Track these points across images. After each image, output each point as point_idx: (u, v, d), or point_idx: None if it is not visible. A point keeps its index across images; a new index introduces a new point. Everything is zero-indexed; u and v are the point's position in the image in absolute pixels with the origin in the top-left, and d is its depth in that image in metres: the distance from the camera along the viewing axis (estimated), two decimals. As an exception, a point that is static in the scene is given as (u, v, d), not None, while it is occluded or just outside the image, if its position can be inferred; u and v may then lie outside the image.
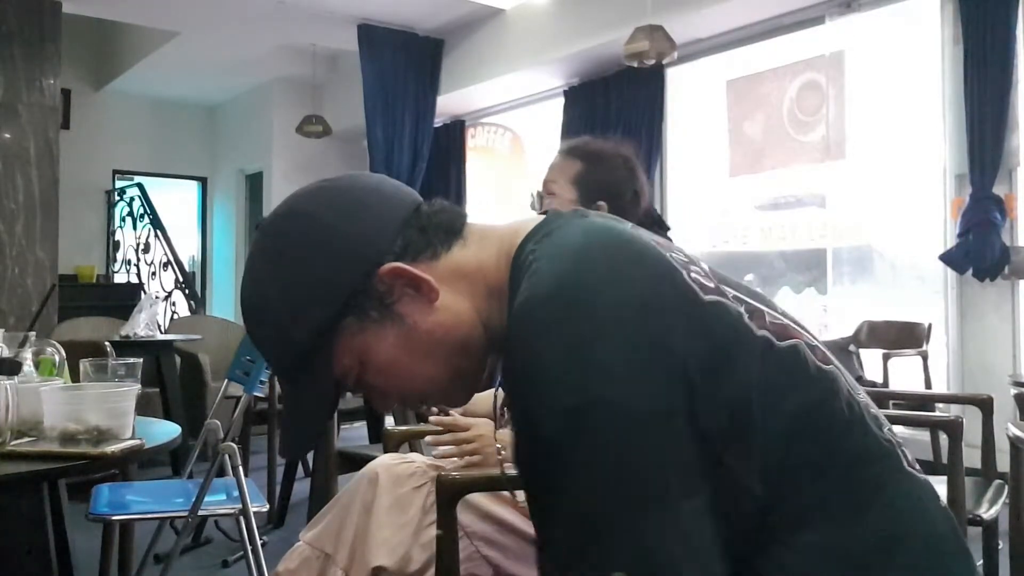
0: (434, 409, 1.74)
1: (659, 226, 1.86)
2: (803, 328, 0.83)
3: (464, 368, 0.86)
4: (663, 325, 0.71)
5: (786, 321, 0.81)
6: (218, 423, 2.53)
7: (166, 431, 1.85)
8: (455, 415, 1.69)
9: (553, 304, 0.71)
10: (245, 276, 0.87)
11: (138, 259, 8.14)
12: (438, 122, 7.28)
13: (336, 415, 3.34)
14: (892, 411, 2.57)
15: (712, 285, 0.76)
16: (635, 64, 4.77)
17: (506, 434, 1.29)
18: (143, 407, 1.74)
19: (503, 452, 1.23)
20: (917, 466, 0.82)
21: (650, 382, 0.69)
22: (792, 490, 0.73)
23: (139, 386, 1.68)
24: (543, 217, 0.87)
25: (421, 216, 0.85)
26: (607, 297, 0.71)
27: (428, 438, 1.70)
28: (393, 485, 1.50)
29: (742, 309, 0.76)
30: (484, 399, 1.82)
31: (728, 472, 0.70)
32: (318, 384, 0.85)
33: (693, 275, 0.76)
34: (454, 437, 1.64)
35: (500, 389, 0.94)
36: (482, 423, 1.64)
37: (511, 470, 1.14)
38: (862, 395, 0.82)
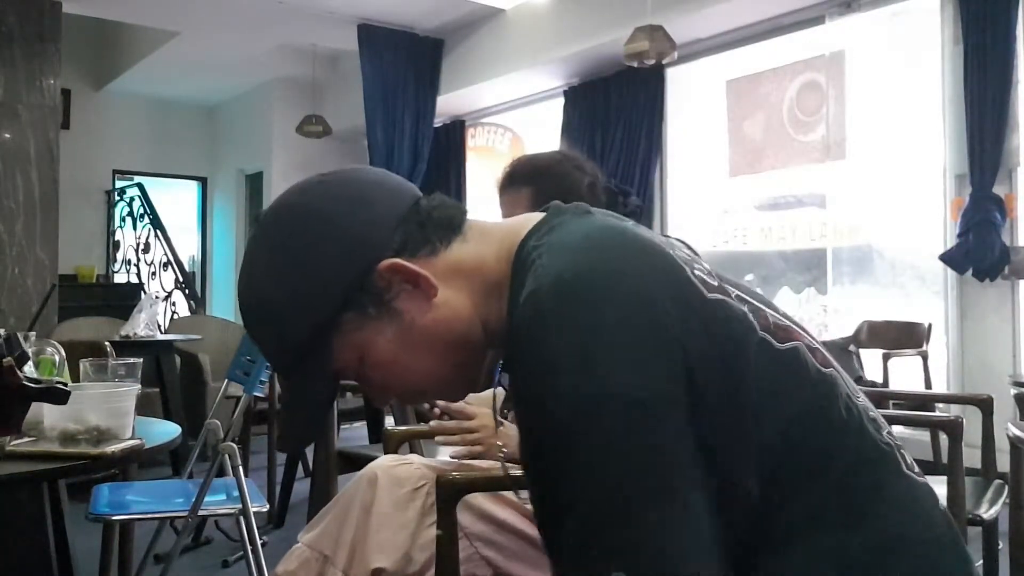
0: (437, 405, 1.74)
1: (623, 195, 1.86)
2: (804, 330, 0.83)
3: (463, 364, 0.86)
4: (667, 318, 0.71)
5: (787, 323, 0.81)
6: (218, 423, 2.53)
7: (166, 431, 1.85)
8: (462, 403, 1.69)
9: (559, 296, 0.71)
10: (243, 270, 0.86)
11: (138, 259, 8.14)
12: (438, 122, 7.28)
13: (336, 415, 3.34)
14: (892, 411, 2.58)
15: (715, 283, 0.77)
16: (635, 64, 4.77)
17: (511, 429, 1.29)
18: (143, 407, 1.74)
19: (504, 450, 1.23)
20: (916, 468, 0.82)
21: (655, 372, 0.68)
22: (789, 496, 0.73)
23: (139, 386, 1.68)
24: (544, 214, 0.86)
25: (420, 211, 0.85)
26: (611, 290, 0.71)
27: (433, 422, 1.69)
28: (392, 486, 1.49)
29: (745, 308, 0.76)
30: (483, 399, 1.82)
31: (726, 471, 0.70)
32: (317, 379, 0.84)
33: (696, 272, 0.76)
34: (458, 425, 1.64)
35: (500, 387, 0.94)
36: (487, 414, 1.64)
37: (513, 468, 1.14)
38: (861, 398, 0.82)
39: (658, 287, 0.72)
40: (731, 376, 0.72)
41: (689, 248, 1.01)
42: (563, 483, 0.68)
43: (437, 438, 1.69)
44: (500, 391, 0.94)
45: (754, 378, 0.73)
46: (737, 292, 0.78)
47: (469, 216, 0.88)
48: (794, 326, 0.81)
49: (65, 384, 1.36)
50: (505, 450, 1.22)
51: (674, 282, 0.74)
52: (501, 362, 0.90)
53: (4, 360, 1.27)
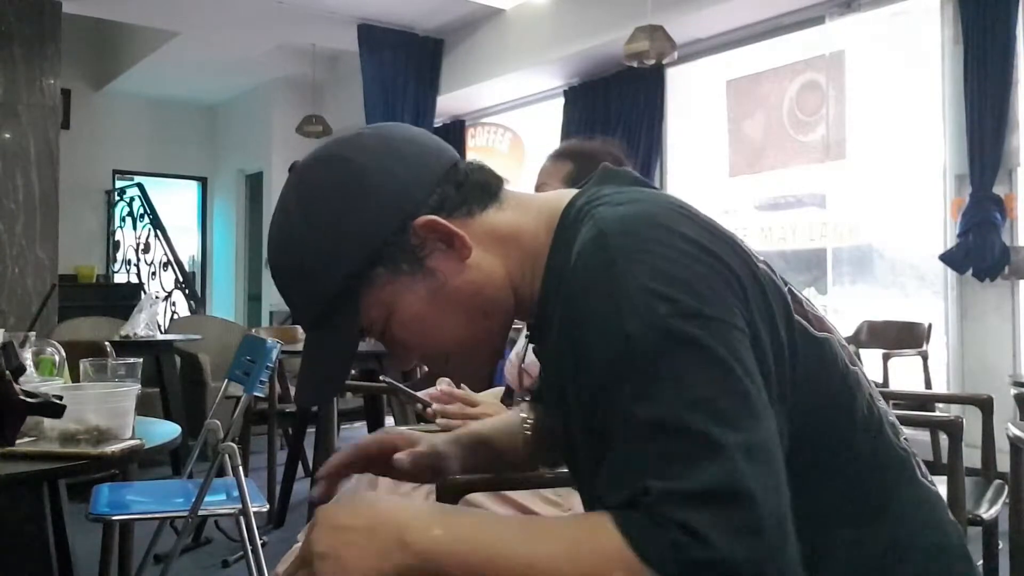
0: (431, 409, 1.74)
1: None
2: (834, 327, 0.83)
3: (490, 329, 0.85)
4: (727, 258, 0.72)
5: (821, 315, 0.82)
6: (218, 423, 2.53)
7: (166, 431, 1.85)
8: (466, 390, 1.69)
9: (628, 232, 0.71)
10: (275, 217, 0.85)
11: (138, 259, 8.14)
12: (438, 122, 7.28)
13: (336, 415, 3.34)
14: (892, 411, 2.57)
15: (762, 259, 0.78)
16: (635, 64, 4.77)
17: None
18: (143, 407, 1.74)
19: (528, 423, 1.21)
20: (929, 476, 0.82)
21: (727, 300, 0.69)
22: (805, 487, 0.72)
23: (139, 386, 1.68)
24: (591, 179, 0.87)
25: (458, 172, 0.84)
26: (675, 230, 0.72)
27: (435, 405, 1.68)
28: (392, 485, 1.49)
29: (786, 290, 0.77)
30: (490, 394, 1.82)
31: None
32: (342, 333, 0.83)
33: (746, 244, 0.78)
34: (460, 409, 1.64)
35: (523, 362, 0.94)
36: (490, 399, 1.64)
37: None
38: (881, 401, 0.82)
39: (717, 241, 0.73)
40: (778, 340, 0.73)
41: None
42: (642, 406, 0.65)
43: (439, 420, 1.68)
44: (529, 359, 0.94)
45: (791, 355, 0.73)
46: (780, 274, 0.80)
47: (506, 186, 0.88)
48: (826, 320, 0.82)
49: (60, 397, 1.35)
50: (528, 423, 1.20)
51: (730, 241, 0.75)
52: (526, 335, 0.90)
53: (3, 374, 1.27)
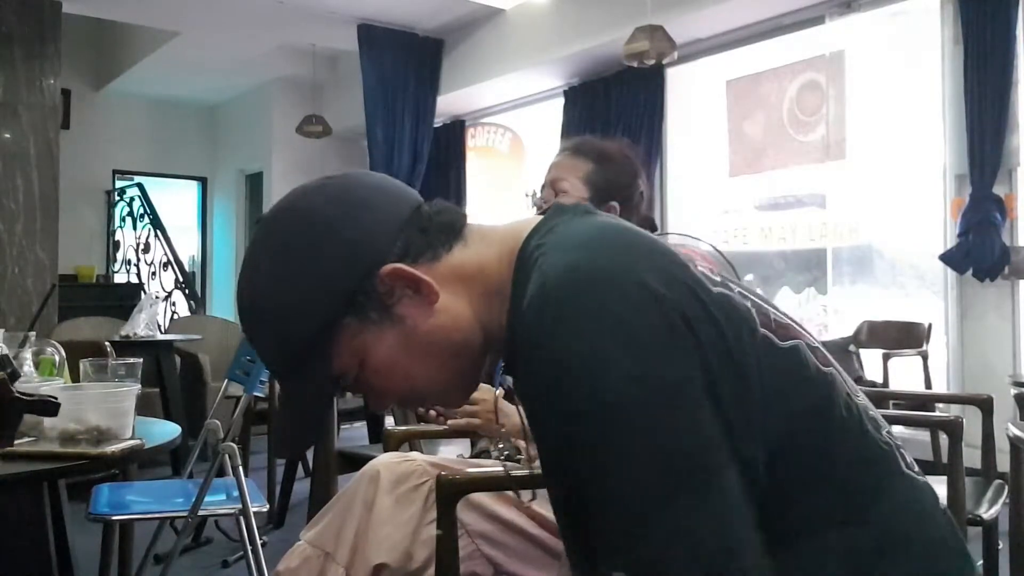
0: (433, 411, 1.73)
1: (651, 228, 1.87)
2: (804, 329, 0.83)
3: (461, 370, 0.86)
4: (676, 306, 0.71)
5: (788, 321, 0.81)
6: (218, 423, 2.53)
7: (166, 431, 1.85)
8: None
9: (567, 293, 0.71)
10: (243, 271, 0.85)
11: (138, 259, 8.14)
12: (438, 122, 7.28)
13: (336, 415, 3.34)
14: (892, 411, 2.57)
15: (718, 279, 0.77)
16: (635, 64, 4.77)
17: (510, 408, 1.30)
18: (143, 407, 1.74)
19: (504, 422, 1.22)
20: (916, 468, 0.82)
21: (673, 357, 0.69)
22: (792, 495, 0.73)
23: (139, 386, 1.68)
24: (544, 216, 0.87)
25: (422, 217, 0.85)
26: (619, 282, 0.71)
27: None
28: (394, 483, 1.50)
29: (748, 304, 0.77)
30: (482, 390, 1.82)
31: (740, 457, 0.70)
32: (315, 383, 0.84)
33: (700, 268, 0.77)
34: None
35: (501, 385, 0.94)
36: (486, 389, 1.64)
37: (513, 467, 1.14)
38: (861, 397, 0.82)
39: (664, 278, 0.73)
40: (736, 370, 0.72)
41: (711, 245, 1.01)
42: (599, 476, 0.68)
43: (450, 423, 1.68)
44: (501, 388, 0.94)
45: (757, 374, 0.73)
46: (739, 289, 0.79)
47: (469, 220, 0.88)
48: (794, 324, 0.82)
49: (55, 398, 1.36)
50: (504, 422, 1.22)
51: (679, 275, 0.74)
52: (502, 363, 0.90)
53: None
